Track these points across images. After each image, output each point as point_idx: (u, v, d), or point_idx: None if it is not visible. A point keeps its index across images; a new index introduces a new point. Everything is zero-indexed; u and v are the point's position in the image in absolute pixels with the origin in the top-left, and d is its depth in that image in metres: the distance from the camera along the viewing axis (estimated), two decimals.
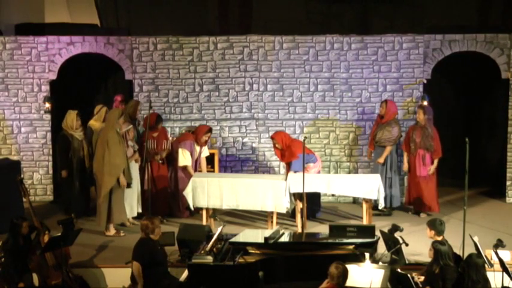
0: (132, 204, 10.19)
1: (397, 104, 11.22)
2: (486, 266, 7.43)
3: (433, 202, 10.67)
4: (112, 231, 9.89)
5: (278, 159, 11.37)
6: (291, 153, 10.16)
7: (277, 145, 10.38)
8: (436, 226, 7.95)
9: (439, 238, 7.89)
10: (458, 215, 10.08)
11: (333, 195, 10.87)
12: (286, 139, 10.40)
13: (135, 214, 10.28)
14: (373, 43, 11.49)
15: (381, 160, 10.70)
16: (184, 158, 10.45)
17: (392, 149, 10.76)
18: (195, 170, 10.60)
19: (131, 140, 10.18)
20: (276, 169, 11.56)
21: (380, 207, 10.11)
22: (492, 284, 7.55)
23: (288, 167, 10.38)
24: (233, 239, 8.22)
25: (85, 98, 12.02)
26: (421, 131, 10.58)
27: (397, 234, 8.17)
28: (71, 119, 10.44)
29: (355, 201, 11.35)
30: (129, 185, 9.90)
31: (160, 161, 10.53)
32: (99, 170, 9.68)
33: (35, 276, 8.17)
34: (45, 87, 11.64)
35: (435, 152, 10.58)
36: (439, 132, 10.82)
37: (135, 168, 10.20)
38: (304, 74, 11.54)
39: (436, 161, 10.60)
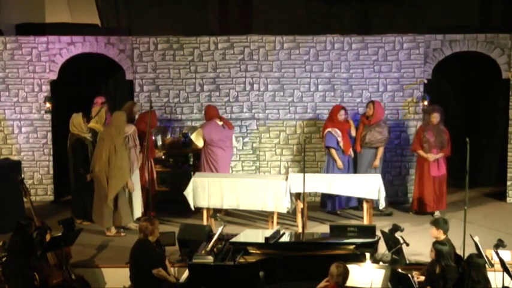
0: (135, 207, 10.18)
1: (398, 104, 11.21)
2: (487, 265, 7.44)
3: (445, 200, 10.76)
4: (113, 231, 9.89)
5: (278, 159, 11.41)
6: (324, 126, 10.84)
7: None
8: (442, 225, 7.98)
9: (443, 237, 7.90)
10: (459, 215, 10.07)
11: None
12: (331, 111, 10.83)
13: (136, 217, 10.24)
14: (374, 43, 11.48)
15: (377, 163, 10.70)
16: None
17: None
18: None
19: (137, 140, 10.17)
20: (277, 169, 11.56)
21: (381, 207, 10.10)
22: (493, 284, 7.55)
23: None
24: (234, 239, 8.23)
25: (85, 98, 12.00)
26: (434, 130, 10.55)
27: (397, 234, 8.17)
28: (78, 122, 10.32)
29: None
30: None
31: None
32: (103, 173, 9.66)
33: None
34: (46, 87, 11.64)
35: (446, 149, 10.61)
36: None
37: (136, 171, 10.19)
38: (305, 74, 11.54)
39: (441, 154, 10.61)
